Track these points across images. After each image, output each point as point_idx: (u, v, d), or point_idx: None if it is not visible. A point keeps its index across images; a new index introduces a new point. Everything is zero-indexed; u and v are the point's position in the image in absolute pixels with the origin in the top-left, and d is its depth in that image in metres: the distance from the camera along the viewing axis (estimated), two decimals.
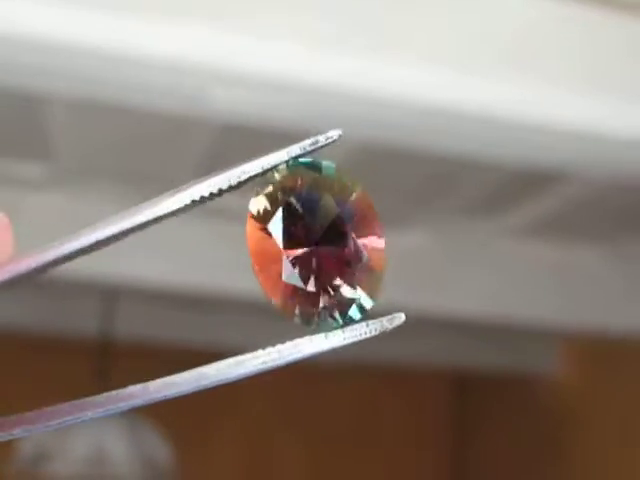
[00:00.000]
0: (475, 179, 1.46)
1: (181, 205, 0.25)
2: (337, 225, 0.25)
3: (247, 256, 0.25)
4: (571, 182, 1.43)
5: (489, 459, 2.80)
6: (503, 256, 1.75)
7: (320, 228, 0.24)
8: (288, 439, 2.78)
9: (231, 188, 0.25)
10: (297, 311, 0.24)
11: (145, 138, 1.35)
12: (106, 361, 1.95)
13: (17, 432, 0.25)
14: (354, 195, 0.25)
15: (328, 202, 0.25)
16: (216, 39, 0.90)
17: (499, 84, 0.97)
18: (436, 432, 2.94)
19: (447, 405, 2.97)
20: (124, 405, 0.25)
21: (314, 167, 0.25)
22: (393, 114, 0.99)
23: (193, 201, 0.25)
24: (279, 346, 0.24)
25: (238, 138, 1.29)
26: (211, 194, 0.25)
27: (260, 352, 0.24)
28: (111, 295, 2.00)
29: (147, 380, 0.25)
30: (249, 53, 0.91)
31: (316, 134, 0.26)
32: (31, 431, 0.25)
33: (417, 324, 2.22)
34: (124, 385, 0.25)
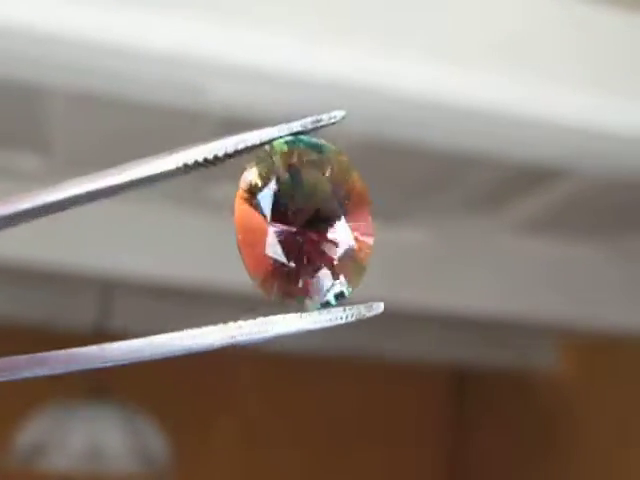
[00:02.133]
0: (476, 175, 1.46)
1: (173, 168, 0.24)
2: (328, 208, 0.24)
3: None
4: (571, 179, 1.42)
5: (488, 456, 2.80)
6: (503, 252, 1.74)
7: (311, 209, 0.23)
8: (286, 436, 2.77)
9: (227, 156, 0.24)
10: (275, 289, 0.23)
11: (143, 131, 1.34)
12: None
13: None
14: (350, 180, 0.24)
15: (322, 183, 0.24)
16: (214, 32, 0.89)
17: (500, 80, 0.96)
18: (435, 429, 2.94)
19: (446, 401, 2.97)
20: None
21: (314, 146, 0.24)
22: (394, 109, 0.99)
23: (185, 165, 0.24)
24: (250, 321, 0.23)
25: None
26: (205, 160, 0.24)
27: (231, 325, 0.23)
28: (108, 289, 2.00)
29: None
30: (249, 46, 0.90)
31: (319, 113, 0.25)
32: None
33: (416, 320, 2.22)
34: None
